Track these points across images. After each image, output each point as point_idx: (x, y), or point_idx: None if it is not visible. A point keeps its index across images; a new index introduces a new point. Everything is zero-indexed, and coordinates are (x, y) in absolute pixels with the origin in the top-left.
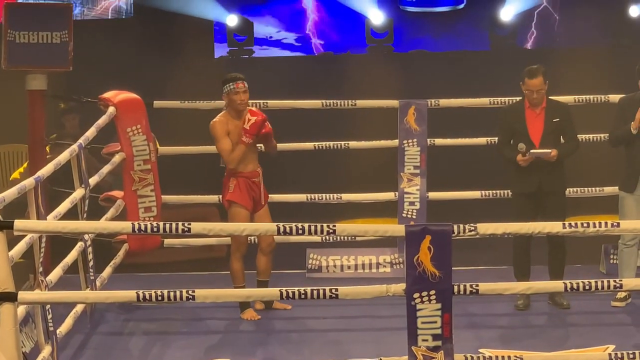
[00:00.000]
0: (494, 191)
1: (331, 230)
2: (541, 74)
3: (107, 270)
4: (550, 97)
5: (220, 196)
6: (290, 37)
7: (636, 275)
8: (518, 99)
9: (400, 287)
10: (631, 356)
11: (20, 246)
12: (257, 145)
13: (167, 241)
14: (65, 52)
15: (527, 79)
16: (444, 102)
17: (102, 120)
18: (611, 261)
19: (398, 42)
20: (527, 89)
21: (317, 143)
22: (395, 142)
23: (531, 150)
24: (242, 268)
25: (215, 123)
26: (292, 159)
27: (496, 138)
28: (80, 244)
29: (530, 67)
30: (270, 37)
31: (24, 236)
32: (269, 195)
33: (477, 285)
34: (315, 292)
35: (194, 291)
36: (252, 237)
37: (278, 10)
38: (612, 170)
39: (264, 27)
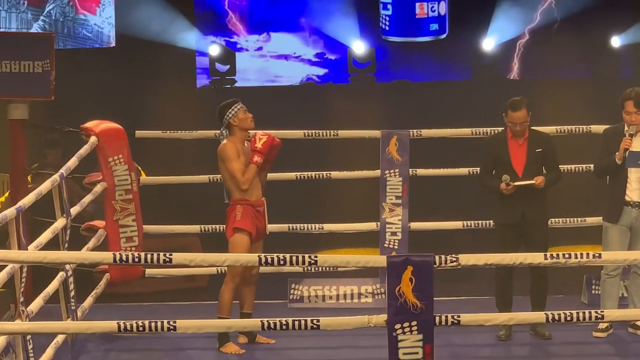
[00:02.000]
0: (476, 222)
1: (313, 261)
2: (524, 106)
3: (89, 300)
4: (532, 128)
5: (203, 226)
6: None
7: (619, 305)
8: (500, 129)
9: (381, 318)
10: None
11: (1, 276)
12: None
13: (149, 271)
14: (47, 82)
15: (511, 112)
16: (426, 132)
17: (83, 150)
18: (593, 292)
19: (380, 72)
20: (510, 121)
21: (299, 173)
22: (377, 172)
23: (515, 182)
24: (231, 300)
25: (226, 145)
26: (274, 189)
27: (478, 168)
28: (61, 274)
29: (513, 99)
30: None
31: (4, 266)
32: None
33: (458, 316)
34: (296, 322)
35: (175, 322)
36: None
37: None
38: (594, 200)
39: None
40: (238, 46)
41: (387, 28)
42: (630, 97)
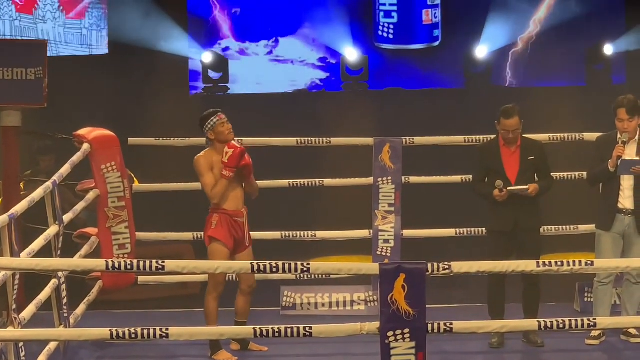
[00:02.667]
0: (469, 229)
1: (305, 269)
2: (517, 113)
3: (81, 308)
4: (524, 135)
5: (195, 234)
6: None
7: (611, 313)
8: (493, 136)
9: (374, 326)
10: None
11: None
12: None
13: (141, 278)
14: (40, 89)
15: (503, 119)
16: (419, 139)
17: (76, 157)
18: (585, 299)
19: (373, 80)
20: (503, 128)
21: (291, 180)
22: (369, 180)
23: (509, 188)
24: (216, 309)
25: (199, 158)
26: (267, 197)
27: (471, 176)
28: (54, 281)
29: (506, 107)
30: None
31: None
32: None
33: (451, 324)
34: (289, 330)
35: (167, 329)
36: (231, 276)
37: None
38: (587, 208)
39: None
40: (229, 53)
41: (390, 36)
42: (623, 104)
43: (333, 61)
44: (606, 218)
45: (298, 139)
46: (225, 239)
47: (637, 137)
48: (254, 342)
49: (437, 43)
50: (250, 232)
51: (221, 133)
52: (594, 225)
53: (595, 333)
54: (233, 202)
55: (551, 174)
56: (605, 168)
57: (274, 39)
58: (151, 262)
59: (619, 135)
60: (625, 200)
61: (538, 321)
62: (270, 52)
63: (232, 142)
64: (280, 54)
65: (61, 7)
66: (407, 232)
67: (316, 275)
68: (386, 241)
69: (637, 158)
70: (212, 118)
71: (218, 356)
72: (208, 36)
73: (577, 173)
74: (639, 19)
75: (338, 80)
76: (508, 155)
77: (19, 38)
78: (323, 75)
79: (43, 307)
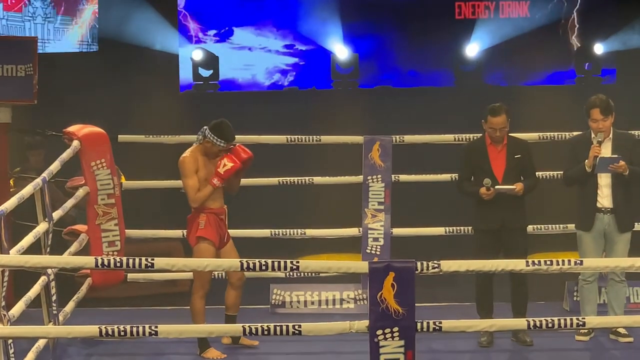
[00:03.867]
0: (458, 228)
1: (294, 267)
2: (504, 112)
3: (70, 305)
4: (510, 134)
5: (185, 231)
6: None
7: (598, 312)
8: (479, 135)
9: (363, 324)
10: None
11: None
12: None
13: (131, 276)
14: (30, 86)
15: (491, 117)
16: (409, 138)
17: (66, 154)
18: (575, 298)
19: (363, 78)
20: (490, 126)
21: (281, 178)
22: (359, 178)
23: (496, 187)
24: (203, 307)
25: (184, 159)
26: (256, 194)
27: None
28: (43, 278)
29: (493, 105)
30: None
31: None
32: (233, 229)
33: (440, 323)
34: (278, 328)
35: (156, 326)
36: (218, 274)
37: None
38: (574, 207)
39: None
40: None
41: None
42: (596, 104)
43: (303, 47)
44: (586, 218)
45: (288, 136)
46: (214, 238)
47: (610, 136)
48: (245, 337)
49: None
50: (237, 230)
51: (212, 153)
52: (575, 227)
53: (585, 329)
54: (218, 200)
55: (537, 173)
56: (582, 168)
57: (227, 28)
58: (140, 259)
59: (592, 135)
60: (604, 199)
61: (527, 320)
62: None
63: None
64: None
65: (52, 4)
66: (397, 231)
67: (305, 273)
68: (375, 239)
69: (615, 155)
70: (222, 142)
71: (207, 354)
72: (198, 34)
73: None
74: (630, 19)
75: (328, 78)
76: (495, 153)
77: (9, 35)
78: (290, 60)
79: (32, 304)
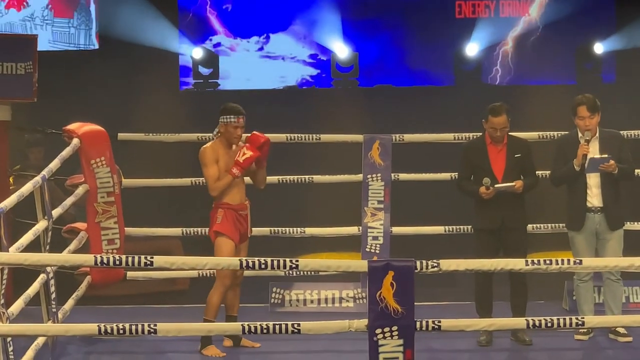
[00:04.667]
0: (458, 227)
1: (294, 265)
2: (505, 111)
3: (70, 303)
4: (510, 134)
5: (184, 229)
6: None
7: (595, 311)
8: (479, 134)
9: (362, 323)
10: None
11: None
12: (245, 177)
13: (130, 274)
14: (30, 84)
15: (492, 117)
16: (409, 137)
17: (66, 152)
18: (574, 298)
19: (363, 77)
20: (490, 126)
21: (281, 177)
22: (359, 177)
23: (496, 185)
24: (219, 303)
25: (205, 149)
26: (256, 193)
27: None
28: (42, 276)
29: (494, 105)
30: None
31: None
32: None
33: (439, 322)
34: (277, 327)
35: (156, 325)
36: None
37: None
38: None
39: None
40: (220, 49)
41: None
42: (583, 102)
43: (324, 58)
44: (576, 218)
45: (288, 135)
46: (231, 233)
47: (597, 134)
48: (246, 338)
49: None
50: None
51: (230, 133)
52: (565, 227)
53: (584, 329)
54: (237, 195)
55: (537, 172)
56: (571, 168)
57: (265, 35)
58: (140, 257)
59: (580, 134)
60: (594, 199)
61: (526, 319)
62: (261, 49)
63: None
64: (272, 50)
65: (50, 6)
66: (396, 229)
67: (305, 272)
68: (375, 238)
69: (605, 155)
70: (232, 116)
71: (207, 351)
72: (199, 32)
73: None
74: (629, 18)
75: (328, 77)
76: (495, 153)
77: (9, 33)
78: (313, 72)
79: (31, 302)
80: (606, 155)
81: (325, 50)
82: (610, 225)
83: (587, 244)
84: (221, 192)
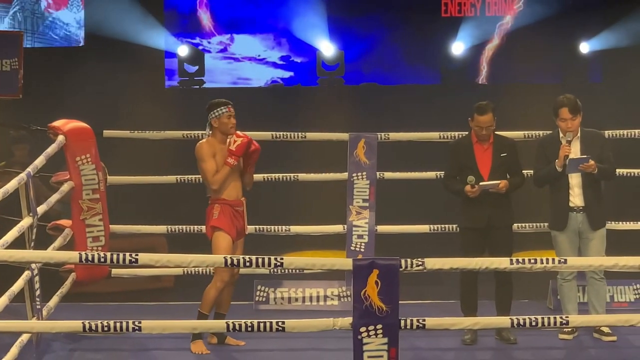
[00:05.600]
0: (443, 225)
1: (279, 263)
2: (491, 110)
3: (54, 300)
4: (496, 133)
5: (169, 227)
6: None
7: (579, 310)
8: (465, 133)
9: (347, 321)
10: None
11: None
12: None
13: (115, 271)
14: (15, 80)
15: (477, 115)
16: (394, 135)
17: (51, 149)
18: (559, 297)
19: (349, 75)
20: (476, 125)
21: (266, 175)
22: (344, 175)
23: (480, 183)
24: (216, 298)
25: (202, 144)
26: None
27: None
28: (27, 273)
29: (480, 103)
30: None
31: None
32: None
33: (424, 320)
34: (262, 325)
35: (140, 322)
36: (204, 269)
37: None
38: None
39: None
40: (202, 48)
41: None
42: (564, 104)
43: (298, 60)
44: (558, 219)
45: (273, 133)
46: (228, 228)
47: (579, 134)
48: (231, 336)
49: None
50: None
51: (224, 124)
52: (548, 226)
53: (568, 328)
54: (233, 191)
55: (522, 171)
56: (553, 168)
57: (231, 35)
58: (125, 254)
59: (561, 135)
60: (576, 198)
61: (511, 318)
62: (225, 49)
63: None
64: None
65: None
66: (381, 228)
67: (290, 270)
68: (360, 236)
69: (585, 156)
70: (222, 107)
71: (194, 345)
72: (184, 29)
73: None
74: (616, 18)
75: (314, 75)
76: (481, 152)
77: None
78: (285, 74)
79: (16, 299)
80: (585, 156)
81: (304, 50)
82: (592, 224)
83: (569, 243)
84: (221, 184)
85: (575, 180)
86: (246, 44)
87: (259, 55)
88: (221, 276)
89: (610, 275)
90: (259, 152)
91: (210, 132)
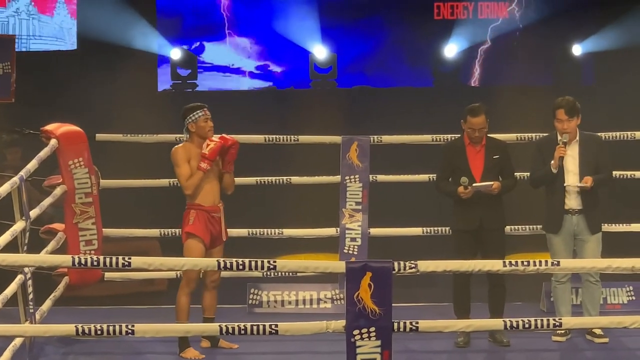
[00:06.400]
0: (436, 228)
1: (272, 266)
2: (483, 112)
3: (47, 304)
4: (489, 135)
5: (162, 230)
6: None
7: (573, 312)
8: (457, 136)
9: (340, 324)
10: None
11: None
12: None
13: (108, 275)
14: (8, 84)
15: (470, 118)
16: (387, 138)
17: (44, 153)
18: (552, 299)
19: (342, 78)
20: (469, 127)
21: (259, 178)
22: (337, 178)
23: (473, 184)
24: (188, 305)
25: (177, 148)
26: (234, 194)
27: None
28: (20, 277)
29: (473, 105)
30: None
31: None
32: None
33: (417, 323)
34: (255, 327)
35: (133, 325)
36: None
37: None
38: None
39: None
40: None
41: None
42: (562, 105)
43: (278, 69)
44: (553, 221)
45: (266, 136)
46: (203, 235)
47: (577, 138)
48: (224, 339)
49: None
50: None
51: (202, 128)
52: (542, 229)
53: (561, 330)
54: (210, 197)
55: (514, 173)
56: (549, 170)
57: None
58: (117, 258)
59: (559, 137)
60: (571, 201)
61: (504, 321)
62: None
63: (225, 136)
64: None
65: (32, 3)
66: (374, 231)
67: (283, 273)
68: (353, 239)
69: (489, 182)
70: (198, 111)
71: (185, 354)
72: (177, 34)
73: None
74: (608, 20)
75: (306, 78)
76: (473, 154)
77: None
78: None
79: (9, 303)
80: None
81: (297, 53)
82: (588, 227)
83: (564, 245)
84: (194, 189)
85: (571, 182)
86: (237, 46)
87: (232, 65)
88: (188, 282)
89: (604, 277)
90: (237, 148)
91: (188, 137)
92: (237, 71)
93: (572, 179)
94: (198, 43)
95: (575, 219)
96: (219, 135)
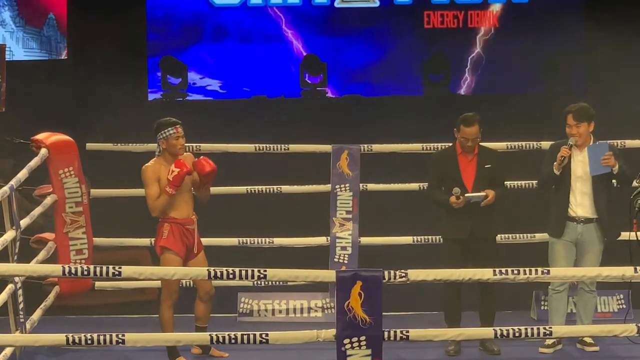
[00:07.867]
0: (426, 237)
1: (262, 275)
2: (477, 122)
3: (38, 313)
4: (480, 144)
5: (153, 239)
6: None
7: (567, 321)
8: (449, 144)
9: (330, 333)
10: None
11: None
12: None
13: (98, 284)
14: None
15: (464, 127)
16: (377, 147)
17: (34, 162)
18: (542, 307)
19: (332, 87)
20: (462, 136)
21: (249, 187)
22: (327, 187)
23: (466, 195)
24: (172, 317)
25: (146, 168)
26: (224, 203)
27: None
28: (10, 286)
29: (466, 114)
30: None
31: None
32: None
33: (407, 332)
34: (245, 337)
35: (124, 335)
36: (186, 282)
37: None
38: (543, 217)
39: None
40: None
41: None
42: (571, 111)
43: (267, 78)
44: (557, 225)
45: (256, 145)
46: (177, 248)
47: (591, 143)
48: (215, 348)
49: None
50: (205, 239)
51: (173, 146)
52: (547, 233)
53: (549, 341)
54: (183, 210)
55: (505, 183)
56: (551, 171)
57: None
58: (108, 267)
59: (569, 142)
60: (577, 208)
61: (494, 329)
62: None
63: (182, 157)
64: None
65: (21, 14)
66: (365, 240)
67: (273, 282)
68: (343, 248)
69: (482, 193)
70: (169, 128)
71: None
72: (167, 43)
73: (534, 182)
74: (598, 28)
75: (297, 87)
76: (465, 163)
77: None
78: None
79: None
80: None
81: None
82: (599, 236)
83: (565, 252)
84: (161, 211)
85: (579, 188)
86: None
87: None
88: (170, 294)
89: (600, 287)
90: (215, 173)
91: (159, 151)
92: (227, 79)
93: (579, 184)
94: (188, 52)
95: (580, 227)
96: (199, 159)
